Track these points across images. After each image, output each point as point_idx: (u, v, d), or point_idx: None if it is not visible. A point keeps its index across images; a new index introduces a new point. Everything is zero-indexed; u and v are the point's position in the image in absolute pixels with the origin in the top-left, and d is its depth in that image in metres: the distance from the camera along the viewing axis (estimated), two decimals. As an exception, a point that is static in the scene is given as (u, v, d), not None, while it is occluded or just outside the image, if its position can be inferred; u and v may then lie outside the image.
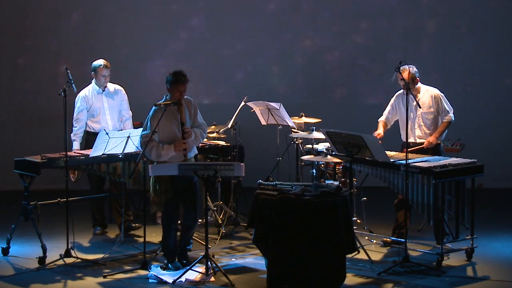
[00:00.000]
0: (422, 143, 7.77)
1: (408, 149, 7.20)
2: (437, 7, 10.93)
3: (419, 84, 7.81)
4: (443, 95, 7.81)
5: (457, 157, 7.57)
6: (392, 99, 8.01)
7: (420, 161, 7.27)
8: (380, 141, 7.55)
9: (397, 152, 7.66)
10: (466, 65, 10.93)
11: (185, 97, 7.08)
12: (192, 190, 7.06)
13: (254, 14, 10.99)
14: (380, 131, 7.98)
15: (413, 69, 7.69)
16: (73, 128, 8.19)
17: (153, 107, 6.98)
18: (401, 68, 7.54)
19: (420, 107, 7.63)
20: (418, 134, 7.83)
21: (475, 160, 7.35)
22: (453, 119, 7.79)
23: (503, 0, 10.89)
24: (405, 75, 7.59)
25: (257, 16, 10.99)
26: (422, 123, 7.80)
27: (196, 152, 7.32)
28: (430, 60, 10.58)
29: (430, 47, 10.89)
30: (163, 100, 7.03)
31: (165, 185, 7.02)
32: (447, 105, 7.79)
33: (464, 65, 10.92)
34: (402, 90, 7.77)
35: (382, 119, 8.10)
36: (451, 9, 10.92)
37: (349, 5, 10.97)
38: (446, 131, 7.85)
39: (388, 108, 8.06)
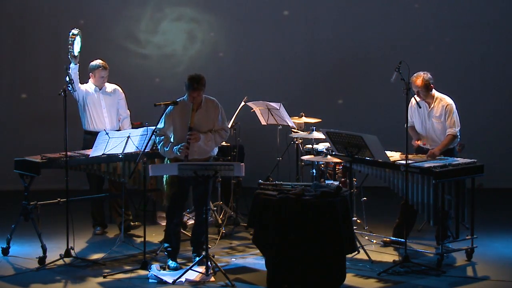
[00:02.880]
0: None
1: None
2: (437, 7, 10.93)
3: (434, 91, 7.64)
4: (455, 108, 7.58)
5: (457, 157, 7.57)
6: (410, 105, 7.73)
7: (420, 161, 7.27)
8: (418, 145, 7.57)
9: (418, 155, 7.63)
10: (466, 65, 10.93)
11: (210, 98, 7.18)
12: (202, 186, 7.03)
13: (254, 14, 10.99)
14: (418, 137, 7.74)
15: (427, 75, 7.53)
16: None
17: (169, 106, 6.99)
18: (415, 74, 7.46)
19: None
20: (430, 142, 7.75)
21: (475, 160, 7.35)
22: (458, 135, 7.56)
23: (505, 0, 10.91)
24: (419, 81, 7.49)
25: (257, 15, 10.99)
26: (433, 131, 7.71)
27: (213, 154, 7.30)
28: (429, 60, 10.58)
29: (431, 48, 10.89)
30: (184, 97, 7.06)
31: (171, 178, 7.05)
32: (455, 120, 7.54)
33: (464, 65, 10.92)
34: (416, 96, 7.53)
35: (409, 125, 7.74)
36: (451, 9, 10.92)
37: (350, 4, 10.97)
38: (456, 142, 7.66)
39: (409, 113, 7.72)
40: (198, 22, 11.00)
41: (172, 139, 7.09)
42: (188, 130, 6.94)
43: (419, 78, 7.50)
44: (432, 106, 7.64)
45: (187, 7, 10.98)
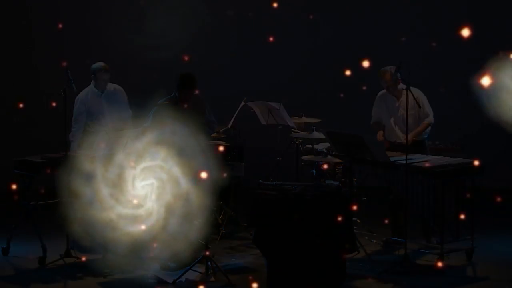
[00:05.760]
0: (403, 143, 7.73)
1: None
2: (434, 7, 10.92)
3: (401, 85, 7.78)
4: (424, 97, 7.79)
5: (457, 157, 7.57)
6: (376, 100, 8.07)
7: (420, 161, 7.27)
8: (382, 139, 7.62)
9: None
10: (466, 65, 10.91)
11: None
12: None
13: (254, 13, 10.99)
14: (381, 132, 7.94)
15: (394, 69, 7.68)
16: (72, 129, 8.15)
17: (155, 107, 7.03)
18: (382, 69, 7.61)
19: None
20: (400, 134, 7.81)
21: (475, 160, 7.35)
22: (432, 121, 7.80)
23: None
24: (387, 76, 7.65)
25: (257, 15, 10.99)
26: (402, 124, 7.72)
27: None
28: (429, 60, 10.57)
29: (430, 47, 10.88)
30: (172, 95, 7.06)
31: None
32: (427, 108, 7.77)
33: (464, 65, 10.90)
34: (383, 91, 7.87)
35: (373, 121, 8.11)
36: (450, 9, 10.91)
37: (350, 4, 10.96)
38: (428, 132, 7.86)
39: (374, 109, 8.11)
40: (198, 21, 11.00)
41: None
42: None
43: (387, 73, 7.66)
44: (400, 99, 7.71)
45: (188, 6, 10.99)
